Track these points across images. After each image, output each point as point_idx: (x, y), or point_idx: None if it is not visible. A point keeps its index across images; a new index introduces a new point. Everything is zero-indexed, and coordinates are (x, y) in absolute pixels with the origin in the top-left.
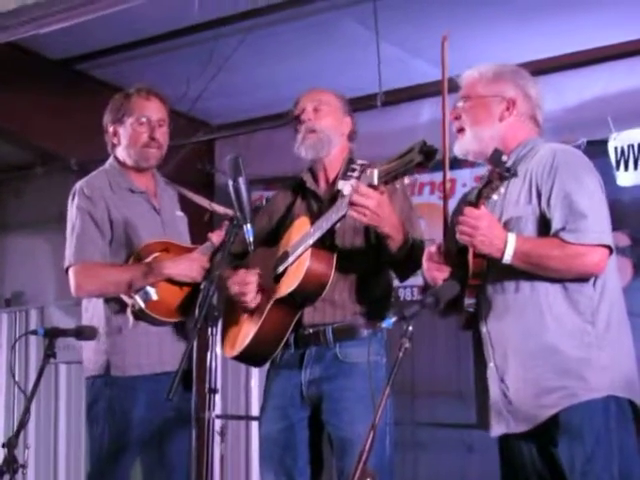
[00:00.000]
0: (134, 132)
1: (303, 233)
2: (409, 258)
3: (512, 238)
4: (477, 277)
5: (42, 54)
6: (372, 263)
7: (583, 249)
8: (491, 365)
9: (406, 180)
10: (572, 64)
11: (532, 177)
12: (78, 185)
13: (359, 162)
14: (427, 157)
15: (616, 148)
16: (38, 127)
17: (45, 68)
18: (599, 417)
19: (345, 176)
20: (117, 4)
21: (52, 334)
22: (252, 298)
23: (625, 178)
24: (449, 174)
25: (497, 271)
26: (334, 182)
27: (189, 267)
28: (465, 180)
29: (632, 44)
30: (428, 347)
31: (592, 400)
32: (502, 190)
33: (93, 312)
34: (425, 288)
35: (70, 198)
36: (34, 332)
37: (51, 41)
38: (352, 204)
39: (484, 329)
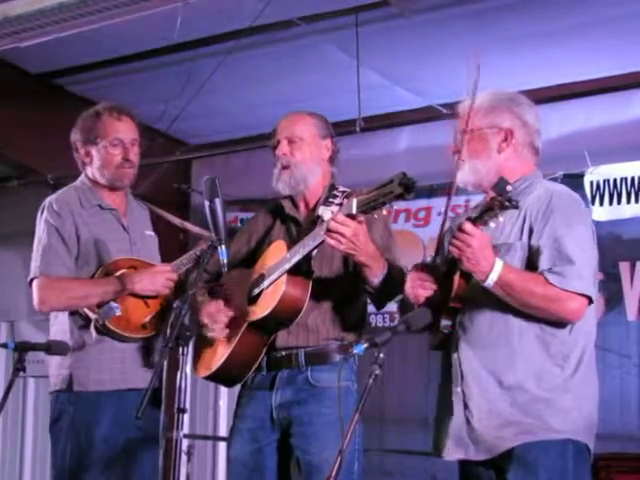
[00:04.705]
0: (108, 154)
1: (280, 257)
2: (387, 286)
3: (499, 265)
4: (458, 300)
5: (22, 67)
6: (347, 290)
7: (564, 295)
8: (458, 390)
9: (384, 211)
10: (553, 97)
11: (526, 215)
12: (47, 200)
13: (341, 189)
14: (406, 189)
15: (592, 182)
16: (15, 140)
17: (24, 81)
18: (555, 457)
19: (326, 202)
20: (99, 21)
21: (22, 348)
22: (217, 335)
23: (600, 213)
24: (426, 202)
25: (476, 299)
26: (314, 207)
27: (152, 280)
28: (441, 209)
29: (612, 79)
30: (398, 375)
31: (550, 440)
32: (501, 219)
33: (58, 327)
34: (402, 305)
35: (39, 212)
36: (4, 345)
37: (31, 55)
38: (329, 232)
39: (455, 354)
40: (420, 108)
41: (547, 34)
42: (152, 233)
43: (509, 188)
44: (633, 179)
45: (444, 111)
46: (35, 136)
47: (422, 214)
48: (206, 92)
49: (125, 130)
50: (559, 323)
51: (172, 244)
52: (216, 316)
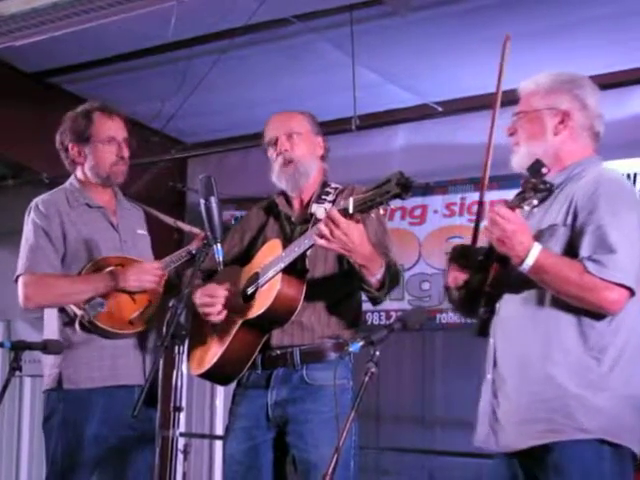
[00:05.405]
0: (103, 153)
1: (274, 256)
2: (385, 284)
3: (536, 250)
4: (493, 286)
5: (16, 66)
6: (342, 288)
7: (601, 284)
8: (488, 377)
9: (381, 210)
10: None
11: (572, 200)
12: (34, 201)
13: (333, 186)
14: (404, 189)
15: None
16: (10, 139)
17: (19, 80)
18: (589, 459)
19: (319, 199)
20: (93, 19)
21: (18, 347)
22: (218, 311)
23: None
24: (421, 200)
25: (513, 285)
26: (308, 204)
27: (138, 277)
28: (437, 207)
29: (607, 77)
30: (393, 373)
31: (580, 440)
32: (535, 202)
33: (49, 325)
34: (447, 292)
35: (27, 213)
36: (0, 345)
37: (26, 53)
38: (320, 233)
39: (491, 340)
40: (415, 106)
41: (543, 32)
42: (144, 232)
43: (544, 170)
44: (629, 176)
45: (439, 109)
46: (30, 135)
47: (418, 212)
48: (201, 91)
49: (118, 129)
50: (598, 314)
51: (167, 243)
52: (215, 292)
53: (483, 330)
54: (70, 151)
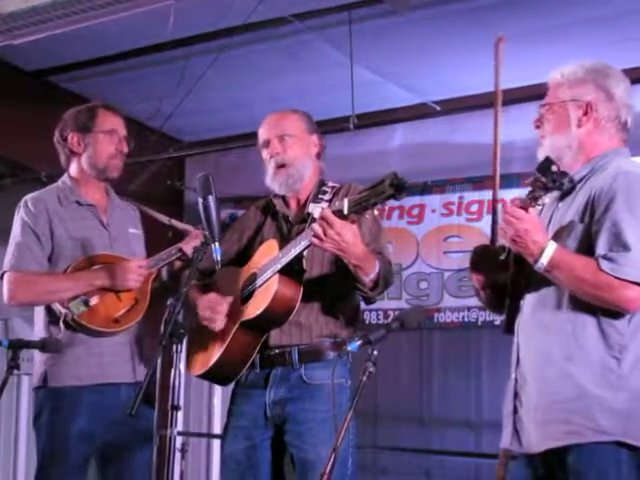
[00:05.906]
0: (103, 143)
1: (271, 256)
2: (379, 283)
3: (551, 249)
4: (512, 284)
5: (15, 64)
6: (340, 287)
7: (616, 282)
8: (512, 376)
9: (375, 211)
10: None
11: (591, 195)
12: (24, 199)
13: (330, 184)
14: (397, 190)
15: None
16: (8, 137)
17: (17, 79)
18: (607, 463)
19: (316, 199)
20: (92, 18)
21: (16, 346)
22: (220, 326)
23: None
24: (419, 200)
25: (532, 284)
26: (305, 204)
27: (122, 275)
28: (435, 206)
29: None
30: (391, 372)
31: (599, 442)
32: (547, 200)
33: (38, 324)
34: (476, 291)
35: (16, 211)
36: None
37: (25, 52)
38: (315, 233)
39: (516, 339)
40: (414, 105)
41: (541, 32)
42: (137, 231)
43: (554, 168)
44: None
45: (437, 108)
46: (29, 133)
47: (415, 211)
48: (200, 89)
49: (120, 125)
50: (617, 313)
51: (162, 242)
52: (216, 307)
53: (508, 327)
54: (69, 141)
